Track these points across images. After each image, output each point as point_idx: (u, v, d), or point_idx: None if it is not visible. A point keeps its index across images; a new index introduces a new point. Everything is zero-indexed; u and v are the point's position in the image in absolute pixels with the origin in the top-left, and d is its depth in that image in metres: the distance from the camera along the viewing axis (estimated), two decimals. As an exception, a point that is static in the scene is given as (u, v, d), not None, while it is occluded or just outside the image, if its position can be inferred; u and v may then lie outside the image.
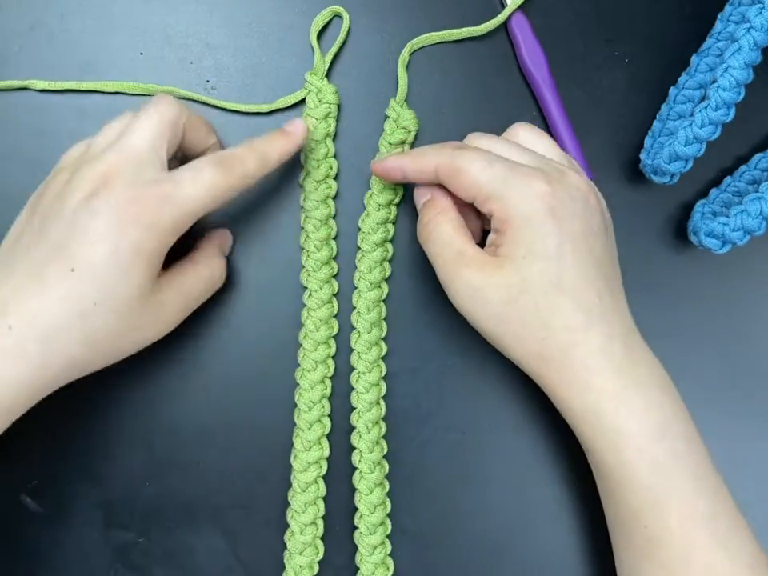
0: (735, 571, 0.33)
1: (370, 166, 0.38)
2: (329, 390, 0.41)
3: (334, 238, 0.41)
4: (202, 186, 0.34)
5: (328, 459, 0.40)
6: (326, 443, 0.40)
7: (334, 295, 0.41)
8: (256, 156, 0.36)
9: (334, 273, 0.41)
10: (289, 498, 0.40)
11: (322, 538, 0.40)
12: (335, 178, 0.41)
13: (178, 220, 0.33)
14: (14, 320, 0.31)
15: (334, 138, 0.41)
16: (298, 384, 0.40)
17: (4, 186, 0.41)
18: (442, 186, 0.36)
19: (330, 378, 0.41)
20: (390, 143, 0.40)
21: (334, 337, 0.41)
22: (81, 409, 0.40)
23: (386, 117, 0.41)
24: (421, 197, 0.37)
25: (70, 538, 0.40)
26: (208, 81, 0.41)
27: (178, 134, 0.35)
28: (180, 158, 0.38)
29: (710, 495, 0.34)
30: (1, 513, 0.37)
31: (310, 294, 0.40)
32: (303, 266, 0.41)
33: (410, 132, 0.40)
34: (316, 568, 0.40)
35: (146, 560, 0.40)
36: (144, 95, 0.41)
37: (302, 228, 0.41)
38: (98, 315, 0.32)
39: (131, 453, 0.40)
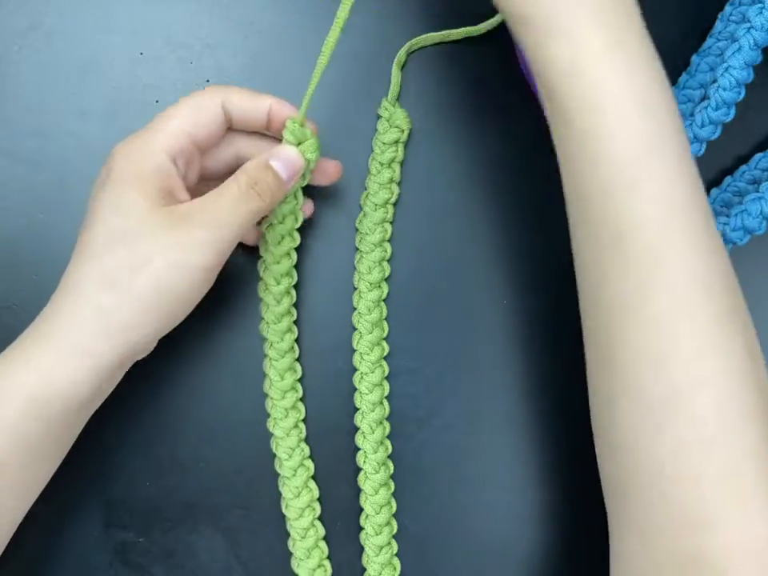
0: (711, 280, 0.31)
1: None
2: (304, 433, 0.40)
3: (294, 286, 0.40)
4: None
5: (319, 499, 0.40)
6: (313, 485, 0.40)
7: (295, 341, 0.40)
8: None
9: (294, 318, 0.40)
10: (290, 548, 0.39)
11: None
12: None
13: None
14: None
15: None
16: (273, 434, 0.39)
17: (4, 186, 0.41)
18: None
19: (303, 420, 0.40)
20: (383, 143, 0.40)
21: (299, 380, 0.40)
22: (81, 409, 0.40)
23: (379, 116, 0.41)
24: None
25: (70, 538, 0.40)
26: (208, 80, 0.41)
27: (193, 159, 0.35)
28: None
29: (691, 183, 0.31)
30: (1, 513, 0.37)
31: (272, 345, 0.39)
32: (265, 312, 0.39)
33: (402, 131, 0.40)
34: None
35: (145, 560, 0.40)
36: None
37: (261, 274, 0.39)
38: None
39: (131, 453, 0.40)
